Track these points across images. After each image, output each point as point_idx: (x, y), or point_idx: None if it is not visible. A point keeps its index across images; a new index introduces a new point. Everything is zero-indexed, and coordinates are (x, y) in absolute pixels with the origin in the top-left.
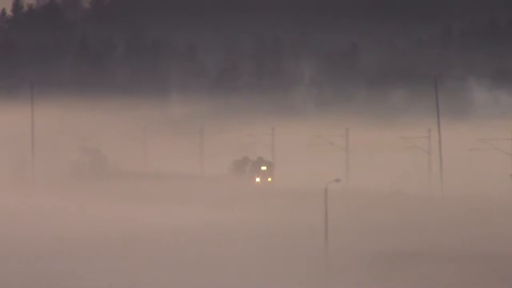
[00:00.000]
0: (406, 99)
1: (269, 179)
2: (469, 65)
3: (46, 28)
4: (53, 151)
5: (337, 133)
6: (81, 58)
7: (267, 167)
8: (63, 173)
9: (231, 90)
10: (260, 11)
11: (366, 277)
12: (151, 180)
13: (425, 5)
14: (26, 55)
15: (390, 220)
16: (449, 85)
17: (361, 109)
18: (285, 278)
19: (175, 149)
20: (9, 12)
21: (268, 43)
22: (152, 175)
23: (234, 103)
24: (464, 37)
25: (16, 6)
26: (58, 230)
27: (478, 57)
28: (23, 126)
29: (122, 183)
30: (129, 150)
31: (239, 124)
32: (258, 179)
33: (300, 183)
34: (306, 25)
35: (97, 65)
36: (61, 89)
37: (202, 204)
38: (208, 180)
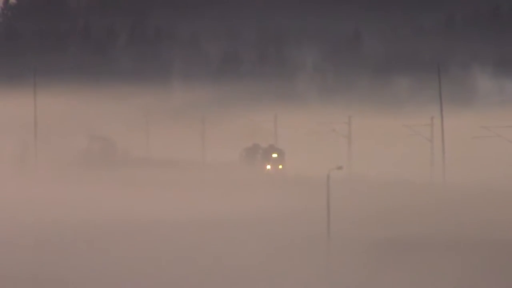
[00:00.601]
0: (409, 87)
1: (280, 167)
2: (472, 52)
3: (49, 16)
4: (56, 139)
5: (340, 121)
6: (84, 46)
7: (278, 155)
8: (66, 160)
9: (233, 78)
10: None
11: (369, 264)
12: (155, 167)
13: None
14: (29, 42)
15: (393, 207)
16: (452, 73)
17: (363, 97)
18: (285, 266)
19: (177, 136)
20: None
21: (270, 31)
22: (156, 163)
23: (236, 91)
24: (467, 25)
25: None
26: (61, 217)
27: (481, 45)
28: (26, 113)
29: (126, 170)
30: (132, 138)
31: (242, 112)
32: (269, 167)
33: (304, 170)
34: (308, 12)
35: (100, 53)
36: (64, 77)
37: (205, 192)
38: (212, 168)
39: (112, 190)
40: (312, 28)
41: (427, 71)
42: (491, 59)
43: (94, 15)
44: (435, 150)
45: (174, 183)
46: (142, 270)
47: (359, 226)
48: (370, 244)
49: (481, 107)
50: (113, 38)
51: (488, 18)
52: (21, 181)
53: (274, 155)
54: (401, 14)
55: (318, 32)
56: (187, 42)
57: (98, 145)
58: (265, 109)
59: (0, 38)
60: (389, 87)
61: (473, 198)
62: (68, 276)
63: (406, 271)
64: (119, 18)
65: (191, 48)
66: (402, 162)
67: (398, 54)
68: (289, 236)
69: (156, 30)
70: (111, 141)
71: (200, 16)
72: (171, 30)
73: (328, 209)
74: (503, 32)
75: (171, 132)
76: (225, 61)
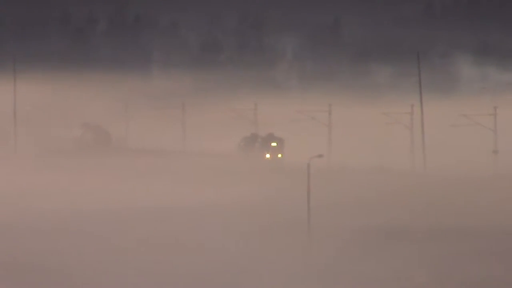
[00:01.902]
0: (389, 75)
1: (280, 155)
2: (452, 41)
3: (29, 3)
4: (36, 126)
5: (320, 109)
6: (64, 33)
7: (277, 143)
8: (46, 148)
9: (213, 65)
10: None
11: (350, 252)
12: (137, 155)
13: None
14: (8, 29)
15: (373, 195)
16: (432, 61)
17: (343, 85)
18: (266, 256)
19: (157, 124)
20: None
21: (250, 18)
22: (137, 150)
23: (216, 78)
24: (447, 13)
25: None
26: (40, 204)
27: (461, 33)
28: (5, 101)
29: (108, 158)
30: (112, 125)
31: (222, 100)
32: (268, 155)
33: (286, 158)
34: (288, 0)
35: (80, 41)
36: (43, 64)
37: (187, 179)
38: (191, 156)
39: (97, 178)
40: (292, 16)
41: (407, 59)
42: (471, 47)
43: (74, 2)
44: (415, 138)
45: (157, 171)
46: (135, 257)
47: (339, 214)
48: (351, 231)
49: (461, 95)
50: (93, 25)
51: (468, 7)
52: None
53: (273, 144)
54: (381, 2)
55: (298, 20)
56: (167, 29)
57: (90, 133)
58: (245, 97)
59: None
60: (369, 75)
61: (452, 186)
62: (56, 264)
63: (386, 258)
64: (99, 6)
65: (171, 36)
66: (382, 150)
67: (378, 42)
68: (270, 224)
69: (136, 18)
70: (103, 129)
71: (180, 3)
72: (151, 17)
73: (309, 197)
74: (482, 20)
75: (151, 120)
76: (205, 49)
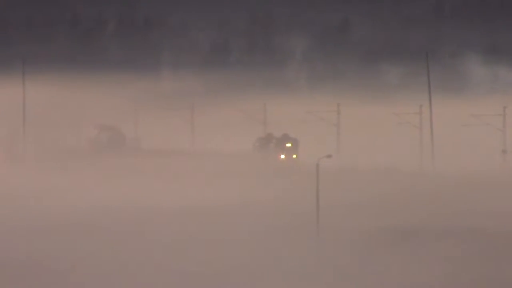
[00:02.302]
0: (398, 75)
1: (294, 156)
2: (462, 40)
3: (38, 4)
4: (45, 128)
5: (329, 109)
6: (73, 34)
7: (292, 144)
8: (56, 149)
9: (223, 66)
10: None
11: (359, 253)
12: (152, 156)
13: None
14: (17, 31)
15: (382, 195)
16: (441, 61)
17: (352, 85)
18: (275, 256)
19: (167, 124)
20: None
21: (259, 19)
22: (151, 151)
23: (225, 79)
24: (456, 13)
25: None
26: (50, 204)
27: (471, 33)
28: (15, 102)
29: (118, 159)
30: (122, 126)
31: (231, 100)
32: (283, 156)
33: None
34: (298, 1)
35: (89, 42)
36: (52, 66)
37: (201, 180)
38: (205, 156)
39: (100, 179)
40: (301, 16)
41: (416, 59)
42: (480, 47)
43: (83, 3)
44: (424, 138)
45: (173, 172)
46: (144, 257)
47: (349, 215)
48: (360, 232)
49: (470, 95)
50: (102, 26)
51: (477, 6)
52: (9, 169)
53: (288, 145)
54: (390, 2)
55: (307, 21)
56: (176, 30)
57: (105, 133)
58: (254, 97)
59: None
60: (378, 75)
61: (462, 186)
62: (65, 264)
63: (395, 259)
64: (108, 7)
65: (180, 37)
66: (391, 151)
67: (387, 42)
68: (279, 225)
69: (145, 19)
70: (118, 130)
71: (190, 4)
72: (160, 18)
73: (318, 198)
74: (492, 20)
75: (160, 120)
76: (214, 50)
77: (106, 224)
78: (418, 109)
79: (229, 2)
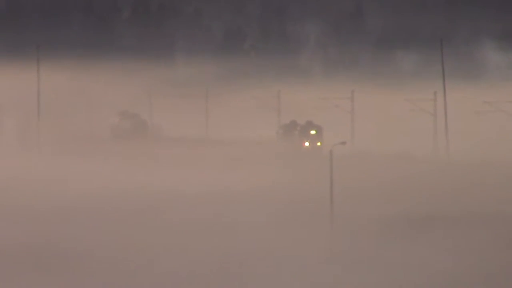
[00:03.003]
0: (412, 62)
1: (319, 144)
2: (475, 27)
3: None
4: (60, 114)
5: (343, 96)
6: (87, 21)
7: (316, 131)
8: (70, 136)
9: (236, 53)
10: None
11: (374, 239)
12: (175, 143)
13: None
14: (32, 18)
15: (396, 182)
16: (455, 48)
17: (366, 72)
18: (287, 242)
19: (180, 112)
20: None
21: (273, 6)
22: (174, 139)
23: (239, 66)
24: None
25: None
26: (69, 194)
27: (484, 19)
28: (30, 89)
29: (132, 146)
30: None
31: (245, 87)
32: (307, 143)
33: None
34: None
35: (103, 29)
36: (67, 52)
37: (218, 167)
38: (219, 144)
39: (118, 166)
40: (315, 3)
41: (430, 46)
42: (494, 33)
43: None
44: (438, 125)
45: (187, 158)
46: (162, 239)
47: (363, 202)
48: (374, 220)
49: (484, 82)
50: (116, 13)
51: None
52: (23, 156)
53: (312, 132)
54: None
55: (321, 7)
56: (191, 17)
57: (128, 121)
58: (269, 84)
59: (2, 13)
60: (392, 62)
61: (476, 172)
62: (83, 247)
63: (411, 246)
64: None
65: (194, 24)
66: (405, 137)
67: (401, 28)
68: (293, 211)
69: (160, 5)
70: (141, 117)
71: None
72: (175, 5)
73: (331, 184)
74: (506, 6)
75: (174, 107)
76: (228, 37)
77: (125, 208)
78: (432, 96)
79: None
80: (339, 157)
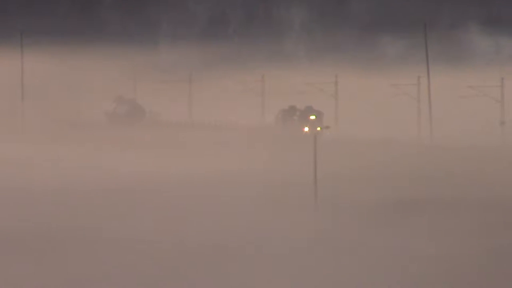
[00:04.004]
0: (396, 47)
1: (319, 129)
2: (459, 12)
3: None
4: (43, 100)
5: (327, 80)
6: (71, 6)
7: (316, 116)
8: (54, 121)
9: (221, 38)
10: None
11: (358, 224)
12: (173, 129)
13: None
14: (15, 3)
15: (380, 166)
16: (439, 32)
17: (351, 57)
18: (273, 222)
19: (164, 97)
20: None
21: None
22: (172, 124)
23: (224, 51)
24: None
25: None
26: (54, 177)
27: (468, 4)
28: (13, 75)
29: (119, 131)
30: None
31: (229, 72)
32: (306, 129)
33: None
34: None
35: (87, 14)
36: (50, 38)
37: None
38: (199, 127)
39: (106, 150)
40: None
41: (414, 30)
42: (478, 18)
43: None
44: (422, 109)
45: (166, 143)
46: (149, 222)
47: (346, 186)
48: (358, 204)
49: (468, 66)
50: None
51: None
52: (8, 141)
53: (312, 117)
54: None
55: None
56: (174, 2)
57: (124, 106)
58: (253, 69)
59: None
60: (376, 47)
61: (459, 157)
62: (72, 232)
63: (394, 230)
64: None
65: (178, 8)
66: (389, 121)
67: (386, 13)
68: (276, 196)
69: None
70: (137, 103)
71: None
72: None
73: (315, 169)
74: None
75: (159, 92)
76: (213, 22)
77: (112, 192)
78: (416, 80)
79: None
80: (324, 141)
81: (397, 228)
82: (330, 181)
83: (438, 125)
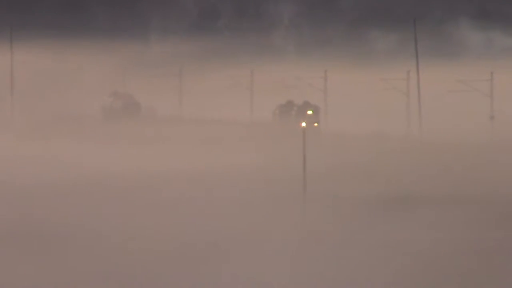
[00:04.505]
0: (385, 41)
1: (316, 124)
2: (449, 6)
3: None
4: (33, 96)
5: (317, 75)
6: (61, 1)
7: (313, 112)
8: (44, 117)
9: (210, 32)
10: None
11: (347, 220)
12: (172, 124)
13: None
14: None
15: (369, 161)
16: (428, 27)
17: (340, 51)
18: (259, 223)
19: (154, 90)
20: None
21: None
22: (169, 120)
23: (213, 45)
24: None
25: None
26: (40, 173)
27: None
28: (2, 70)
29: (108, 126)
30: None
31: (219, 66)
32: (304, 124)
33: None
34: None
35: (76, 8)
36: (40, 33)
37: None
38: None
39: (101, 145)
40: None
41: (404, 25)
42: (468, 12)
43: None
44: (411, 104)
45: (159, 138)
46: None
47: (336, 180)
48: (347, 199)
49: (458, 61)
50: None
51: None
52: None
53: (309, 112)
54: None
55: None
56: None
57: (120, 102)
58: (242, 63)
59: None
60: (365, 41)
61: (449, 152)
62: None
63: (385, 227)
64: None
65: (168, 2)
66: (378, 116)
67: (375, 7)
68: (265, 191)
69: None
70: (133, 98)
71: None
72: None
73: (304, 164)
74: None
75: (149, 87)
76: (202, 16)
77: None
78: (406, 74)
79: None
80: (313, 136)
81: (384, 223)
82: (321, 176)
83: (427, 119)
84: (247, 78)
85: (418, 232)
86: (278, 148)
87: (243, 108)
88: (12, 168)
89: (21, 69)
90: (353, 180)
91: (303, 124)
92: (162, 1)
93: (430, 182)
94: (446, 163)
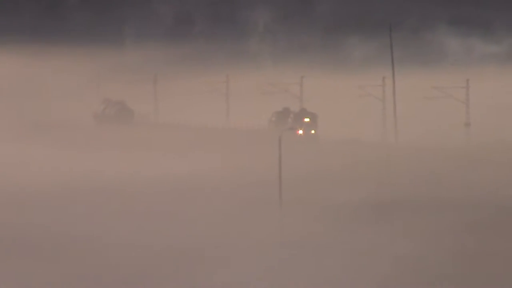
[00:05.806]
0: (361, 48)
1: (313, 132)
2: (425, 13)
3: None
4: (8, 100)
5: (293, 81)
6: (36, 6)
7: (310, 119)
8: (21, 121)
9: (185, 38)
10: None
11: (324, 224)
12: (165, 129)
13: None
14: None
15: (345, 166)
16: (404, 34)
17: (316, 58)
18: (238, 224)
19: (130, 95)
20: None
21: None
22: (162, 125)
23: (189, 51)
24: None
25: None
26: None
27: (434, 5)
28: None
29: (84, 132)
30: (86, 97)
31: (194, 73)
32: (300, 132)
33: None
34: None
35: (52, 13)
36: (16, 38)
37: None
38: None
39: (74, 150)
40: None
41: (379, 31)
42: (443, 20)
43: None
44: (387, 110)
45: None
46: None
47: (311, 186)
48: (322, 205)
49: (433, 68)
50: None
51: None
52: None
53: (306, 119)
54: None
55: None
56: (139, 2)
57: (113, 108)
58: (217, 69)
59: None
60: (341, 48)
61: (424, 158)
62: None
63: (359, 230)
64: None
65: (143, 8)
66: (354, 122)
67: (350, 14)
68: (242, 196)
69: None
70: (126, 105)
71: None
72: None
73: (280, 170)
74: None
75: (123, 93)
76: (178, 21)
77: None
78: (381, 81)
79: None
80: (292, 142)
81: (361, 228)
82: (298, 182)
83: (403, 125)
84: (223, 84)
85: (392, 237)
86: (260, 154)
87: (220, 113)
88: None
89: None
90: (328, 185)
91: (300, 132)
92: (138, 7)
93: (403, 186)
94: (420, 169)
